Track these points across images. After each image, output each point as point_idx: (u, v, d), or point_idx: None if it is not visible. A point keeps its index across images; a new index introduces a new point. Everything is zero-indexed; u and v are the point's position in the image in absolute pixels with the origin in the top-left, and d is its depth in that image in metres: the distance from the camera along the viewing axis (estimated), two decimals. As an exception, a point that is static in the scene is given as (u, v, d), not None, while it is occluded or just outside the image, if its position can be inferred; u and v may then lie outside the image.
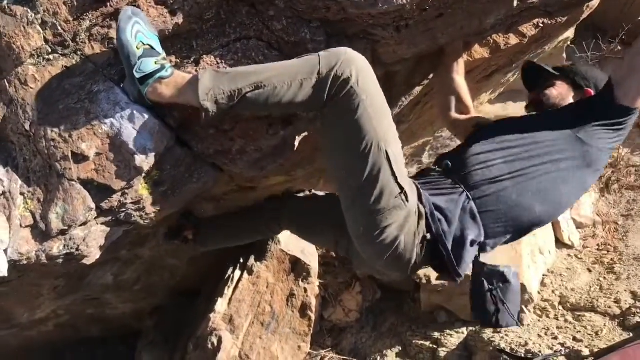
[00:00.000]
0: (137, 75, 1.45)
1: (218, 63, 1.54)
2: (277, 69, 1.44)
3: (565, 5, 1.74)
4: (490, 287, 1.68)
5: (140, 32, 1.44)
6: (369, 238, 1.55)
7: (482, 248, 1.68)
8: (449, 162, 1.72)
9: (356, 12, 1.46)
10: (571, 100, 1.86)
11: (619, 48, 4.21)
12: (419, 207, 1.58)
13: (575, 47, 4.02)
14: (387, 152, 1.46)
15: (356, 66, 1.39)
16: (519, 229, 1.68)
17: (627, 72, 1.62)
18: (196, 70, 1.53)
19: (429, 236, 1.58)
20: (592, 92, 1.86)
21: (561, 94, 1.88)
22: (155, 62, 1.46)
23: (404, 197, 1.51)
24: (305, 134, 1.73)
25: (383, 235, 1.53)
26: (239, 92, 1.42)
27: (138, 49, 1.43)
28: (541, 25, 1.99)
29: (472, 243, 1.61)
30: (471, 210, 1.62)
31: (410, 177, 1.67)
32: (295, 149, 1.82)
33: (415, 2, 1.42)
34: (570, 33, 3.13)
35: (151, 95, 1.48)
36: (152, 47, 1.46)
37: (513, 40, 2.10)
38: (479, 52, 2.07)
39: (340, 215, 1.60)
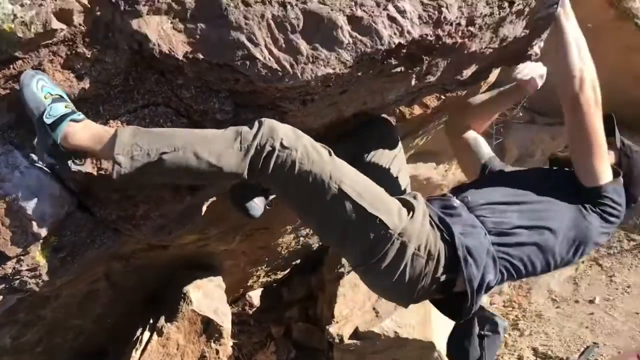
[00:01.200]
0: (48, 121, 1.39)
1: (125, 128, 1.53)
2: (200, 136, 1.44)
3: (461, 83, 1.87)
4: (481, 332, 1.71)
5: (46, 86, 1.41)
6: (366, 269, 1.60)
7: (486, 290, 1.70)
8: (468, 199, 1.75)
9: (264, 86, 1.50)
10: None
11: (521, 114, 4.51)
12: (445, 247, 1.59)
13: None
14: (341, 189, 1.48)
15: (277, 133, 1.45)
16: (514, 278, 1.74)
17: (571, 154, 1.74)
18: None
19: (444, 278, 1.59)
20: (621, 183, 1.81)
21: None
22: (66, 106, 1.42)
23: (383, 227, 1.51)
24: (214, 198, 1.74)
25: (381, 267, 1.55)
26: (156, 151, 1.40)
27: (46, 98, 1.39)
28: (443, 97, 2.13)
29: (488, 287, 1.65)
30: (493, 255, 1.65)
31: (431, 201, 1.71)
32: (204, 213, 1.82)
33: (319, 79, 1.48)
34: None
35: (64, 141, 1.41)
36: (60, 96, 1.43)
37: (417, 110, 2.23)
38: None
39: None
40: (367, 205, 1.51)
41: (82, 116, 1.45)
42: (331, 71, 1.48)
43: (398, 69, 1.58)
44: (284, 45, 1.47)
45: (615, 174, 1.73)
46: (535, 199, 1.75)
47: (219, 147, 1.42)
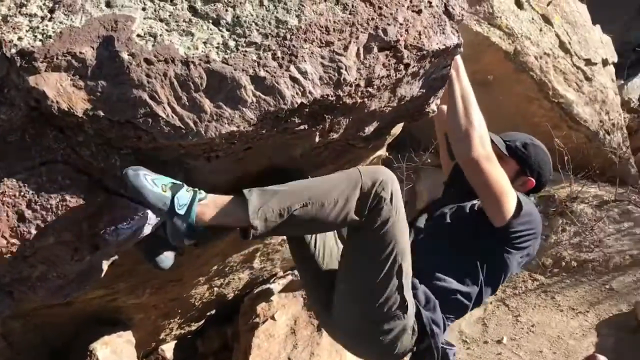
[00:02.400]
0: (181, 212, 1.48)
1: (20, 187, 1.48)
2: (321, 186, 1.58)
3: (364, 139, 1.94)
4: None
5: (154, 178, 1.48)
6: (360, 338, 1.77)
7: None
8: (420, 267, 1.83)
9: (167, 143, 1.50)
10: (516, 181, 1.96)
11: (429, 160, 4.72)
12: (415, 324, 1.75)
13: (392, 158, 4.43)
14: (401, 266, 1.64)
15: (393, 185, 1.58)
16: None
17: (481, 204, 1.84)
18: None
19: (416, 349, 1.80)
20: (534, 183, 1.98)
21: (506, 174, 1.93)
22: (187, 190, 1.51)
23: (404, 310, 1.68)
24: (115, 257, 1.70)
25: (376, 339, 1.72)
26: (287, 210, 1.52)
27: (165, 191, 1.48)
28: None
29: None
30: (443, 319, 1.83)
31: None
32: (107, 270, 1.76)
33: (224, 136, 1.50)
34: (382, 152, 3.46)
35: (199, 220, 1.50)
36: (173, 183, 1.51)
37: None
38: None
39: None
40: (405, 290, 1.68)
41: (203, 193, 1.54)
42: (235, 129, 1.50)
43: (302, 127, 1.62)
44: (187, 103, 1.49)
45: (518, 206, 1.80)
46: (469, 259, 1.88)
47: (345, 193, 1.55)
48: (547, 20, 4.39)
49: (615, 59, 5.19)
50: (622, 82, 6.30)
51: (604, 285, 4.08)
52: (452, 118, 1.77)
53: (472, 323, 3.97)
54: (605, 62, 4.89)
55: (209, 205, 1.53)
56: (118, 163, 1.53)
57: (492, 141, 1.90)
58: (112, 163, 1.53)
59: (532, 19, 4.29)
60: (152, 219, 1.59)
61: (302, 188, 1.58)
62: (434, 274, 1.86)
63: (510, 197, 1.76)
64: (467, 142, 1.72)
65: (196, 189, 1.54)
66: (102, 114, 1.45)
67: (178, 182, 1.53)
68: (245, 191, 1.54)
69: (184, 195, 1.50)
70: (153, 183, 1.47)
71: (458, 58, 1.83)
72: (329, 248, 1.95)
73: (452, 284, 1.85)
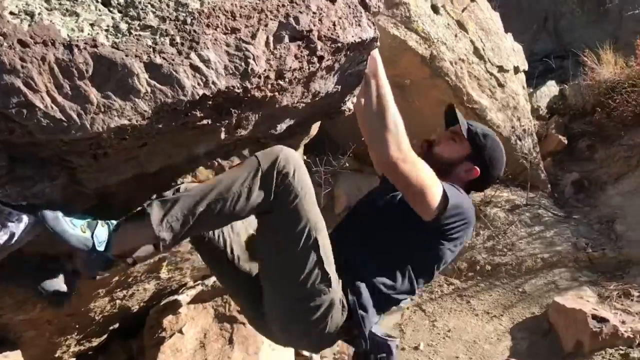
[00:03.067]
0: (101, 248, 1.47)
1: None
2: (222, 181, 1.53)
3: (277, 137, 1.81)
4: (377, 356, 1.80)
5: (71, 219, 1.44)
6: (292, 323, 1.73)
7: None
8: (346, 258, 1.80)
9: (45, 138, 1.30)
10: (461, 164, 1.91)
11: (347, 165, 4.65)
12: (343, 298, 1.72)
13: (310, 161, 4.33)
14: (316, 239, 1.61)
15: (294, 162, 1.54)
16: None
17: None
18: None
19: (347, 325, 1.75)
20: (478, 173, 1.90)
21: (454, 153, 1.92)
22: (102, 225, 1.50)
23: (328, 283, 1.65)
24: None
25: (307, 320, 1.69)
26: (192, 214, 1.50)
27: (84, 231, 1.45)
28: (262, 150, 2.05)
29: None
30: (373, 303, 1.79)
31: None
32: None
33: (113, 130, 1.32)
34: (299, 153, 3.35)
35: (117, 251, 1.51)
36: (89, 221, 1.48)
37: (237, 161, 2.13)
38: (204, 173, 2.05)
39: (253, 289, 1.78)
40: (326, 263, 1.64)
41: (114, 222, 1.53)
42: (126, 122, 1.32)
43: (204, 122, 1.46)
44: (69, 93, 1.29)
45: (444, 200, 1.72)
46: (397, 251, 1.83)
47: (246, 183, 1.52)
48: (462, 26, 4.44)
49: (526, 67, 5.36)
50: (532, 90, 6.52)
51: (517, 288, 4.15)
52: (367, 120, 1.68)
53: (390, 329, 3.92)
54: (516, 70, 5.03)
55: (122, 233, 1.52)
56: (-15, 160, 1.32)
57: (454, 118, 1.97)
58: (-22, 160, 1.31)
59: (448, 24, 4.32)
60: (22, 228, 1.38)
61: (203, 187, 1.53)
62: (359, 266, 1.80)
63: (434, 192, 1.69)
64: (382, 145, 1.64)
65: (108, 222, 1.53)
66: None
67: (90, 219, 1.51)
68: (146, 205, 1.52)
69: (101, 231, 1.49)
70: (72, 225, 1.44)
71: (377, 56, 1.74)
72: (237, 238, 1.89)
73: (376, 276, 1.80)
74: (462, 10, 4.46)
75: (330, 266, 1.66)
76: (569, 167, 5.44)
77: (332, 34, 1.54)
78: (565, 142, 5.58)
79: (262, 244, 1.70)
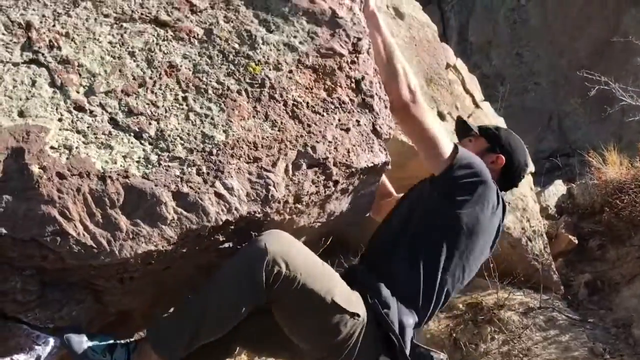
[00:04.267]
0: None
1: None
2: (212, 293, 1.51)
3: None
4: None
5: (94, 345, 1.50)
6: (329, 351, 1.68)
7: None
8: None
9: (76, 263, 1.37)
10: (484, 158, 1.91)
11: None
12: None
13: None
14: (333, 300, 1.58)
15: (283, 254, 1.49)
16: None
17: (420, 153, 1.85)
18: None
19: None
20: (504, 160, 1.95)
21: (474, 151, 1.92)
22: (121, 347, 1.54)
23: (357, 318, 1.64)
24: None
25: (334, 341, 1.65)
26: (194, 333, 1.51)
27: (105, 356, 1.51)
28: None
29: (412, 326, 1.75)
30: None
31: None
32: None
33: (140, 256, 1.39)
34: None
35: None
36: (108, 344, 1.53)
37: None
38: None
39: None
40: (349, 306, 1.62)
41: (132, 342, 1.58)
42: (153, 248, 1.40)
43: (226, 245, 1.54)
44: (101, 221, 1.38)
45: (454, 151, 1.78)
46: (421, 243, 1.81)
47: (232, 291, 1.50)
48: (468, 131, 4.60)
49: (533, 169, 5.47)
50: (539, 189, 6.61)
51: (535, 395, 4.03)
52: (379, 68, 1.82)
53: None
54: (523, 172, 5.15)
55: (139, 353, 1.55)
56: (19, 285, 1.38)
57: (465, 122, 2.09)
58: (13, 285, 1.38)
59: (454, 130, 4.47)
60: (49, 351, 1.42)
61: (199, 305, 1.53)
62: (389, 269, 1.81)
63: (445, 142, 1.77)
64: (395, 87, 1.78)
65: (127, 342, 1.57)
66: (4, 231, 1.32)
67: (111, 341, 1.55)
68: (147, 330, 1.60)
69: (120, 354, 1.54)
70: (93, 351, 1.49)
71: (376, 11, 1.91)
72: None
73: (403, 273, 1.79)
74: (468, 117, 4.63)
75: (351, 305, 1.64)
76: (581, 268, 5.40)
77: (346, 160, 1.64)
78: (576, 241, 5.57)
79: (281, 322, 1.66)
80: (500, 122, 5.16)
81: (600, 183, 5.92)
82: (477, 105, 4.82)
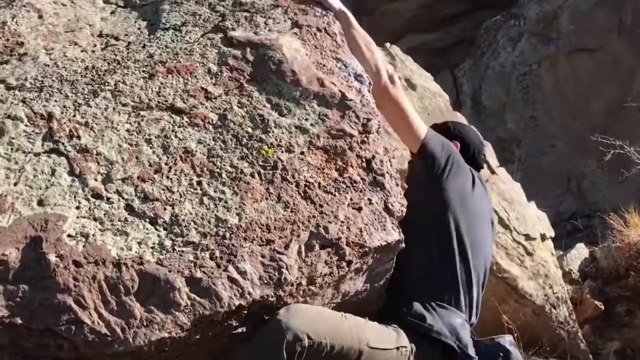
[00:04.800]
0: None
1: None
2: None
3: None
4: None
5: None
6: None
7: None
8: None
9: (91, 352, 1.37)
10: None
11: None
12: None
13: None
14: (369, 346, 1.58)
15: (302, 330, 1.46)
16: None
17: (396, 132, 2.12)
18: None
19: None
20: (458, 145, 2.15)
21: None
22: None
23: (403, 348, 1.65)
24: None
25: None
26: None
27: None
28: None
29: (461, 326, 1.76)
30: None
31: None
32: None
33: (153, 344, 1.39)
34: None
35: None
36: None
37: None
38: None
39: None
40: (389, 345, 1.63)
41: None
42: (166, 335, 1.40)
43: (239, 330, 1.53)
44: (115, 308, 1.39)
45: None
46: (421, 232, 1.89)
47: None
48: (485, 197, 4.59)
49: (553, 234, 5.40)
50: (561, 252, 6.50)
51: None
52: (359, 58, 1.98)
53: None
54: (543, 237, 5.06)
55: None
56: (31, 377, 1.38)
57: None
58: (26, 376, 1.38)
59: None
60: None
61: None
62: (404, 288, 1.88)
63: (418, 121, 2.00)
64: (375, 72, 1.98)
65: None
66: (19, 321, 1.33)
67: None
68: None
69: None
70: None
71: (345, 10, 2.08)
72: None
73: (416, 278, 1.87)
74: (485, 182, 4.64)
75: (391, 340, 1.65)
76: (609, 335, 5.23)
77: (359, 239, 1.65)
78: (602, 307, 5.41)
79: None
80: (516, 187, 5.16)
81: (624, 246, 5.81)
82: (492, 172, 4.83)
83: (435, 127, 2.27)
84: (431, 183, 1.94)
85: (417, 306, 1.78)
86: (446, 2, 12.46)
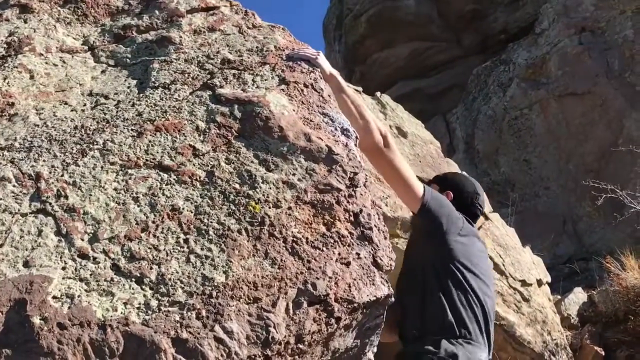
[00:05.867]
0: None
1: None
2: None
3: None
4: None
5: None
6: None
7: None
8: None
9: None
10: None
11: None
12: None
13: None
14: None
15: None
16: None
17: (396, 192, 2.24)
18: None
19: None
20: (451, 195, 2.28)
21: None
22: None
23: None
24: None
25: None
26: None
27: None
28: None
29: None
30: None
31: None
32: None
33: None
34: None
35: None
36: None
37: None
38: None
39: None
40: None
41: None
42: (150, 400, 1.37)
43: (226, 391, 1.50)
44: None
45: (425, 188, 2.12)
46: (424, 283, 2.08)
47: None
48: (479, 244, 4.58)
49: (549, 279, 5.38)
50: (559, 297, 6.45)
51: None
52: (352, 122, 2.01)
53: None
54: (539, 282, 5.05)
55: None
56: None
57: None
58: None
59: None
60: None
61: None
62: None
63: (413, 179, 2.09)
64: (368, 134, 2.04)
65: None
66: (0, 380, 1.31)
67: None
68: None
69: None
70: None
71: (334, 71, 2.15)
72: None
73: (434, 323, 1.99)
74: (478, 229, 4.64)
75: None
76: (611, 382, 5.16)
77: (348, 295, 1.63)
78: (602, 353, 5.35)
79: None
80: (511, 233, 5.16)
81: (621, 289, 5.78)
82: (486, 217, 4.84)
83: (436, 177, 2.42)
84: (435, 240, 2.09)
85: (446, 344, 1.88)
86: (436, 49, 12.73)
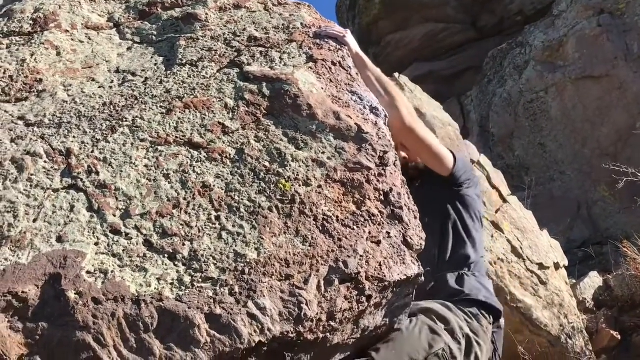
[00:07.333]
0: None
1: None
2: None
3: None
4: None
5: None
6: None
7: None
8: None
9: (109, 391, 1.35)
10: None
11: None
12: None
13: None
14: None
15: None
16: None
17: (426, 163, 2.28)
18: None
19: None
20: None
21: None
22: None
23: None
24: None
25: None
26: None
27: None
28: None
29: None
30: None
31: None
32: None
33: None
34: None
35: None
36: None
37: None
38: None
39: None
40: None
41: None
42: (186, 373, 1.38)
43: (259, 368, 1.51)
44: (134, 346, 1.37)
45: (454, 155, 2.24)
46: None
47: None
48: (497, 226, 4.56)
49: (566, 263, 5.35)
50: (574, 281, 6.42)
51: None
52: (380, 100, 2.03)
53: None
54: (557, 266, 5.02)
55: None
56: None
57: None
58: None
59: (483, 225, 4.44)
60: None
61: None
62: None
63: (446, 151, 2.21)
64: (397, 112, 2.04)
65: None
66: (38, 359, 1.32)
67: None
68: None
69: None
70: None
71: (359, 50, 2.17)
72: None
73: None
74: (496, 212, 4.62)
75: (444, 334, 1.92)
76: (627, 365, 5.14)
77: (379, 274, 1.63)
78: (619, 337, 5.33)
79: None
80: (529, 216, 5.13)
81: (638, 274, 5.74)
82: (504, 200, 4.81)
83: None
84: (455, 193, 2.28)
85: (472, 282, 2.14)
86: (451, 31, 12.60)
